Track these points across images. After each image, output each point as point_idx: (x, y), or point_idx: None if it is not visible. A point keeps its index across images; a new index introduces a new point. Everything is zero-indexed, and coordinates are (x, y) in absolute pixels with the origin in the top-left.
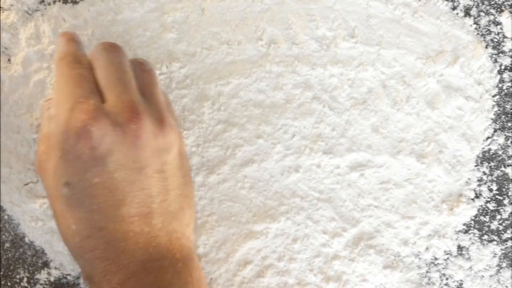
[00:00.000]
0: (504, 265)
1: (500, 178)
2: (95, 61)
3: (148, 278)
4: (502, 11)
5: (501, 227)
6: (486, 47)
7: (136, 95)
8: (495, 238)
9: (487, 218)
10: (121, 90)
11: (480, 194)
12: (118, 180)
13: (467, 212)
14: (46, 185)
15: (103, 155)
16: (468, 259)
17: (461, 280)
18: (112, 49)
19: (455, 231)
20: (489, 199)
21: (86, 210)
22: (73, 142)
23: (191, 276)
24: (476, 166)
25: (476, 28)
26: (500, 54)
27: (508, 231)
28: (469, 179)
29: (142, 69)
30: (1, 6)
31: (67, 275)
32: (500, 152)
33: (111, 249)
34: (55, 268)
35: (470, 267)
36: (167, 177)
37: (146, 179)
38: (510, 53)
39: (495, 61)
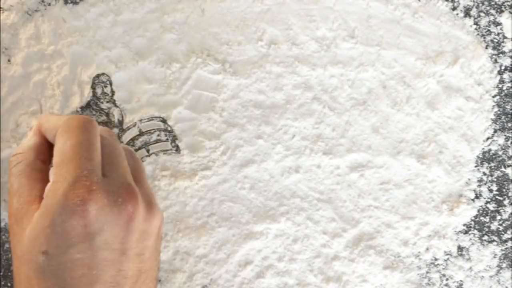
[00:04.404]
0: (504, 265)
1: (500, 178)
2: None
3: None
4: (502, 11)
5: (501, 228)
6: (486, 48)
7: (132, 180)
8: (495, 238)
9: (487, 219)
10: (122, 173)
11: (480, 195)
12: (99, 259)
13: (467, 212)
14: (17, 244)
15: (93, 233)
16: (468, 259)
17: (461, 281)
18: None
19: (455, 231)
20: (489, 200)
21: (58, 282)
22: (66, 217)
23: None
24: (476, 166)
25: (476, 29)
26: (500, 55)
27: (508, 232)
28: (469, 179)
29: (132, 156)
30: (1, 6)
31: None
32: (500, 153)
33: None
34: None
35: (470, 268)
36: (144, 260)
37: (125, 261)
38: (510, 54)
39: (495, 61)
